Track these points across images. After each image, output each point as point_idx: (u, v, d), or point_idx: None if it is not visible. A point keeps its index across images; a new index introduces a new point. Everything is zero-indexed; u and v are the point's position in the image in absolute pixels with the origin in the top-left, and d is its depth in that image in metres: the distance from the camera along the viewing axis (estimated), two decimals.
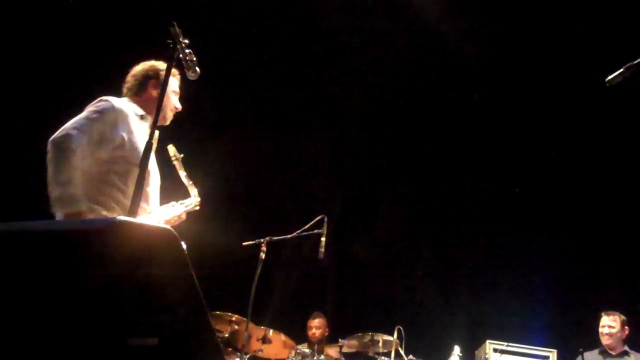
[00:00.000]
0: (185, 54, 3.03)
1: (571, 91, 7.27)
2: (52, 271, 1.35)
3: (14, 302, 1.38)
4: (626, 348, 6.25)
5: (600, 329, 6.33)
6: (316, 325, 7.27)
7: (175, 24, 2.80)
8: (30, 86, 6.57)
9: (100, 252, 1.33)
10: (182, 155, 3.47)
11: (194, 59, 3.10)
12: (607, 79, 2.91)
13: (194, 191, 3.56)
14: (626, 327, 6.29)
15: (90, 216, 2.96)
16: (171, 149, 3.50)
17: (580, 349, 6.09)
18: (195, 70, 3.17)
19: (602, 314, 6.39)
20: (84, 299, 1.32)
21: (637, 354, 6.21)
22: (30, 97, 6.59)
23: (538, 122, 7.69)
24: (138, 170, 2.64)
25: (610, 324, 6.30)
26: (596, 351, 6.34)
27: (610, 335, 6.25)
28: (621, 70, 2.88)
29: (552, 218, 7.93)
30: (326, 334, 7.29)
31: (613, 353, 6.25)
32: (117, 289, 1.34)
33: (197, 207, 3.58)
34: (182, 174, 3.51)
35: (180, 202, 3.56)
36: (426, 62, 7.74)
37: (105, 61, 6.28)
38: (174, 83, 3.50)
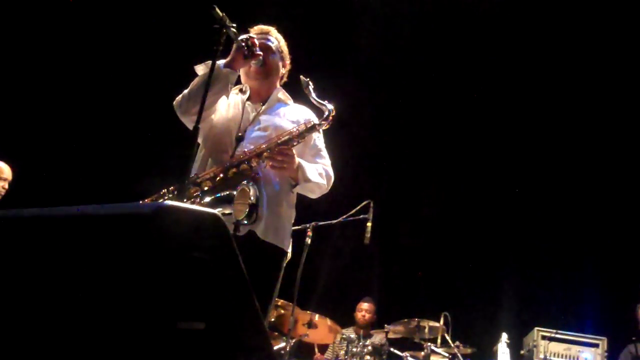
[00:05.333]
0: (240, 41, 2.97)
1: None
2: (102, 255, 1.36)
3: (64, 286, 1.39)
4: None
5: None
6: (366, 309, 7.29)
7: (215, 6, 2.74)
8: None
9: (148, 237, 1.33)
10: (308, 79, 3.09)
11: (251, 45, 3.02)
12: None
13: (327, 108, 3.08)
14: None
15: None
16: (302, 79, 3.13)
17: (634, 338, 5.98)
18: (258, 57, 3.10)
19: (637, 307, 6.33)
20: (133, 284, 1.33)
21: None
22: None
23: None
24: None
25: None
26: None
27: None
28: None
29: (605, 204, 7.77)
30: (374, 320, 7.29)
31: None
32: (165, 273, 1.34)
33: (323, 125, 3.09)
34: (312, 97, 3.09)
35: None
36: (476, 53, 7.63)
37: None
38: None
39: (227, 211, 2.71)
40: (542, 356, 6.40)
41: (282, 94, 3.36)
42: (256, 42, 3.09)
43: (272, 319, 5.90)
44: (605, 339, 6.46)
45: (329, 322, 6.30)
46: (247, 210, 2.70)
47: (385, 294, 8.26)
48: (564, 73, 7.49)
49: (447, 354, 6.43)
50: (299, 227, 5.17)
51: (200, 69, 3.10)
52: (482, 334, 7.23)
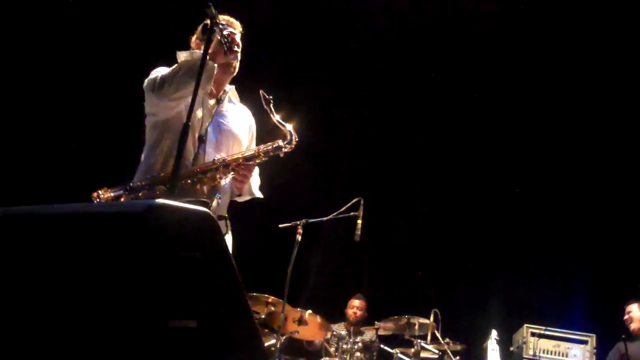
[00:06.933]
0: (223, 36, 2.99)
1: None
2: (91, 254, 1.36)
3: (52, 285, 1.39)
4: None
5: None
6: (357, 306, 7.28)
7: (211, 4, 2.74)
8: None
9: (139, 235, 1.33)
10: (270, 97, 3.13)
11: (231, 41, 3.05)
12: None
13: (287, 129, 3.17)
14: None
15: None
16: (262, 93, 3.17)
17: (623, 337, 6.02)
18: (235, 54, 3.13)
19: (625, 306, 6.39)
20: (124, 282, 1.33)
21: None
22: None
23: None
24: None
25: (628, 310, 6.33)
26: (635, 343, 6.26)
27: (631, 319, 6.24)
28: None
29: (592, 202, 7.81)
30: (365, 317, 7.30)
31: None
32: (156, 271, 1.34)
33: (287, 148, 3.19)
34: (274, 117, 3.15)
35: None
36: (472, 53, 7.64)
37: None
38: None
39: None
40: (531, 353, 6.43)
41: (232, 93, 3.39)
42: (237, 39, 3.13)
43: (263, 316, 5.90)
44: (594, 336, 6.50)
45: (319, 319, 6.29)
46: None
47: (375, 290, 8.28)
48: (556, 75, 7.52)
49: (437, 351, 6.44)
50: (290, 224, 5.18)
51: (183, 56, 3.13)
52: (472, 330, 7.26)
